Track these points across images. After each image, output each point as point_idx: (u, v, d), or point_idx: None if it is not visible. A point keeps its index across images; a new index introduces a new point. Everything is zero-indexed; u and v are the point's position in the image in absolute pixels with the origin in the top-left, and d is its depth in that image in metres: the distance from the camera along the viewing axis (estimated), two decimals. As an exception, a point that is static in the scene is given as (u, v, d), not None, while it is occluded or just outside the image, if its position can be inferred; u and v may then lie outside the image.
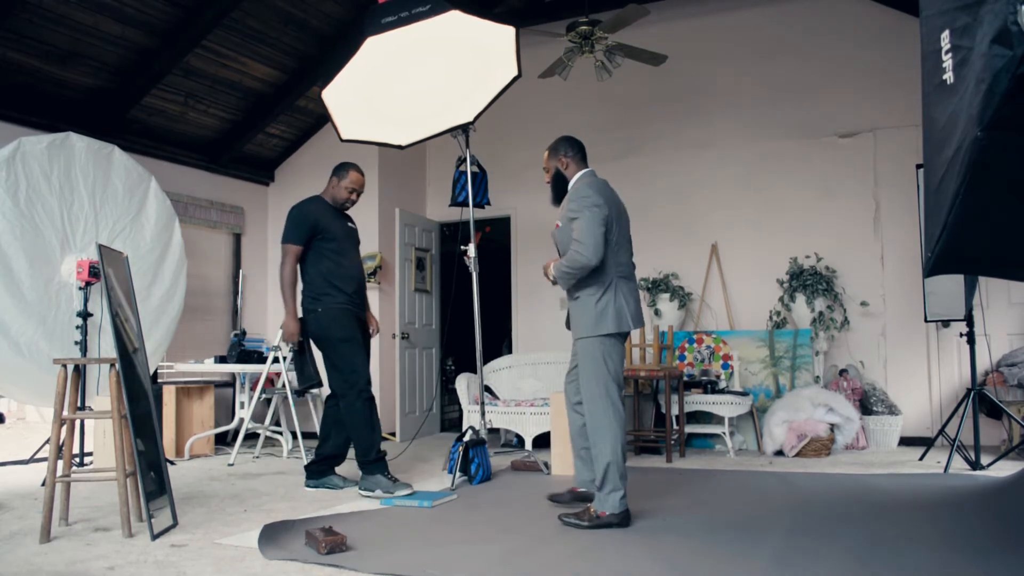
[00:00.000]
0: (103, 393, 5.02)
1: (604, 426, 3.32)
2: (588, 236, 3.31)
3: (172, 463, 5.35)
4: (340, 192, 4.46)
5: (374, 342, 6.90)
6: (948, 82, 2.09)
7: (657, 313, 6.55)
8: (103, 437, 4.99)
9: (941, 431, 5.13)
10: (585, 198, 3.39)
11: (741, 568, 2.62)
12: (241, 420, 5.84)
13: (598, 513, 3.28)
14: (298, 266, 4.32)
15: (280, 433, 5.97)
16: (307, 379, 4.42)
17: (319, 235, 4.28)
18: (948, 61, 2.07)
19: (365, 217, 7.16)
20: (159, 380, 6.13)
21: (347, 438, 4.33)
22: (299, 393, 6.23)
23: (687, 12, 6.85)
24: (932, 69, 2.18)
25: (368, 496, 4.06)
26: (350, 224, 4.54)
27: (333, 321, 4.23)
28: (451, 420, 8.12)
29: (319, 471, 4.37)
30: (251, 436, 6.05)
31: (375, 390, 6.94)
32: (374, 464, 4.14)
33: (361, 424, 4.17)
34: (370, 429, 4.19)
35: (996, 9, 1.82)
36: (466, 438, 4.53)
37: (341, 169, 4.48)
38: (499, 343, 8.73)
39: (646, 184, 6.98)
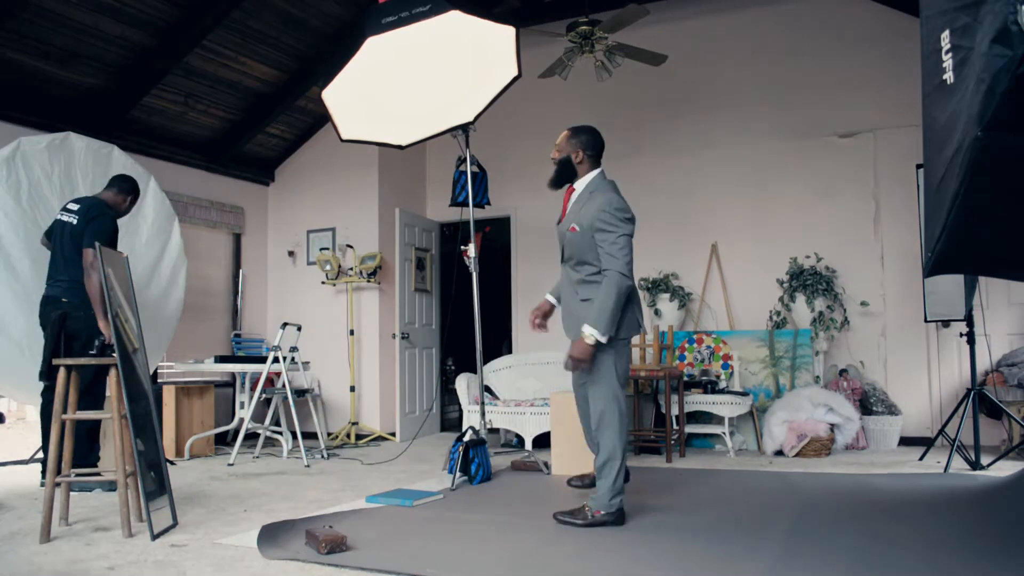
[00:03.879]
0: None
1: (615, 432, 3.30)
2: (623, 256, 3.23)
3: (172, 463, 5.35)
4: (125, 207, 4.67)
5: (374, 342, 6.98)
6: (948, 82, 2.09)
7: (657, 313, 6.55)
8: (103, 437, 4.98)
9: (941, 431, 5.12)
10: (620, 211, 3.28)
11: (741, 568, 2.62)
12: (241, 420, 5.84)
13: (593, 512, 3.28)
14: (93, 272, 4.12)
15: (280, 433, 5.97)
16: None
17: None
18: (948, 61, 2.07)
19: (365, 217, 7.18)
20: (159, 380, 6.13)
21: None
22: (300, 393, 6.24)
23: (687, 12, 6.85)
24: (932, 69, 2.18)
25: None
26: None
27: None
28: (451, 420, 8.11)
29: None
30: (251, 436, 6.05)
31: (375, 390, 7.02)
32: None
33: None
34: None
35: (996, 9, 1.82)
36: (466, 438, 4.53)
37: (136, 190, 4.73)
38: (499, 343, 8.72)
39: (646, 184, 6.97)
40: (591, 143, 3.47)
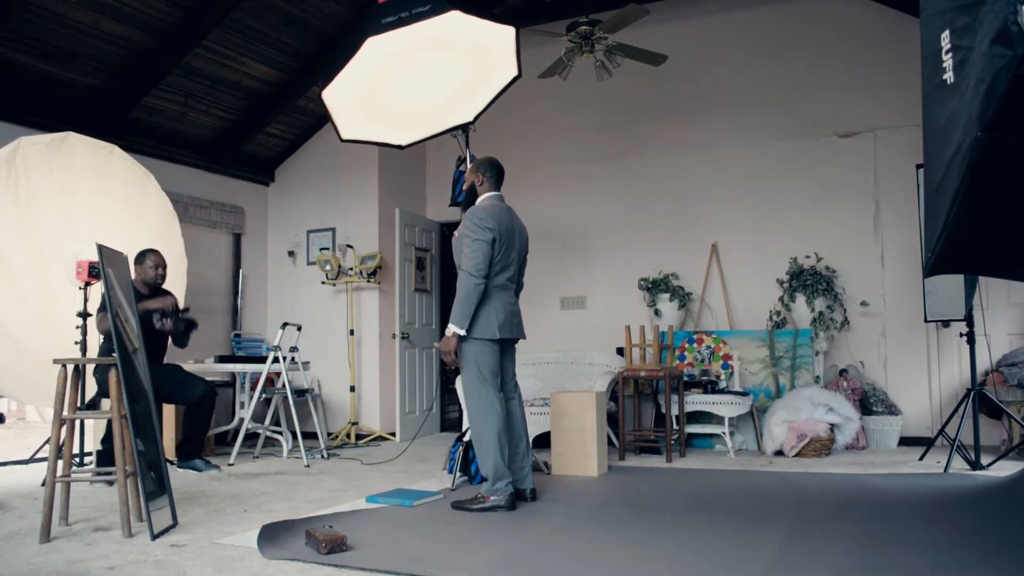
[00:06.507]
0: (103, 393, 5.02)
1: (479, 418, 3.72)
2: (473, 258, 3.67)
3: (172, 463, 5.35)
4: (148, 274, 4.93)
5: (374, 342, 6.98)
6: (948, 82, 2.09)
7: (657, 313, 6.55)
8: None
9: (941, 431, 5.12)
10: (480, 220, 3.73)
11: (741, 568, 2.62)
12: (241, 420, 5.84)
13: (484, 498, 3.66)
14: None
15: (280, 433, 5.97)
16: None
17: None
18: (948, 61, 2.08)
19: (365, 217, 7.18)
20: (159, 380, 6.12)
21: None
22: (300, 393, 6.25)
23: (687, 12, 6.85)
24: (932, 69, 2.18)
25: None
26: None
27: None
28: (451, 420, 8.11)
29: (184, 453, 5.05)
30: (251, 436, 6.05)
31: (375, 390, 7.03)
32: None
33: None
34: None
35: (996, 9, 1.82)
36: (466, 438, 4.53)
37: (140, 257, 4.93)
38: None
39: (646, 184, 6.99)
40: (487, 169, 3.97)
